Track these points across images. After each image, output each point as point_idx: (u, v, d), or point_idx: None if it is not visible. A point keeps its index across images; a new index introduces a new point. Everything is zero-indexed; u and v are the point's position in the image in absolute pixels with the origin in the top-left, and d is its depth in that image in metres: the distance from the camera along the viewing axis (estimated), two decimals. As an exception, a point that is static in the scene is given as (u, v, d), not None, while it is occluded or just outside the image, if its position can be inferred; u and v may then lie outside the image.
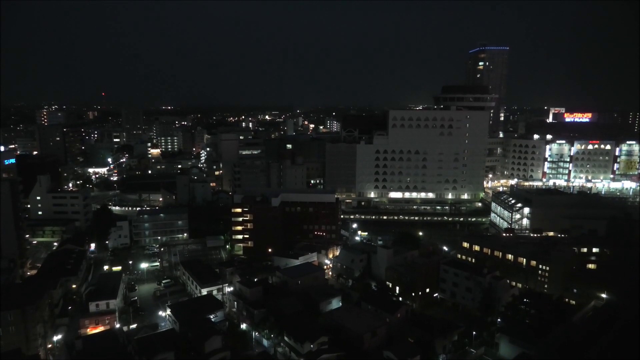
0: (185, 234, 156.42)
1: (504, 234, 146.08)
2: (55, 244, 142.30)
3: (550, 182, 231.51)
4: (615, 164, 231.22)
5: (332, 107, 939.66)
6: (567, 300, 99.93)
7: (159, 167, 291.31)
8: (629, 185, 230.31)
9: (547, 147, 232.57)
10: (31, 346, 79.13)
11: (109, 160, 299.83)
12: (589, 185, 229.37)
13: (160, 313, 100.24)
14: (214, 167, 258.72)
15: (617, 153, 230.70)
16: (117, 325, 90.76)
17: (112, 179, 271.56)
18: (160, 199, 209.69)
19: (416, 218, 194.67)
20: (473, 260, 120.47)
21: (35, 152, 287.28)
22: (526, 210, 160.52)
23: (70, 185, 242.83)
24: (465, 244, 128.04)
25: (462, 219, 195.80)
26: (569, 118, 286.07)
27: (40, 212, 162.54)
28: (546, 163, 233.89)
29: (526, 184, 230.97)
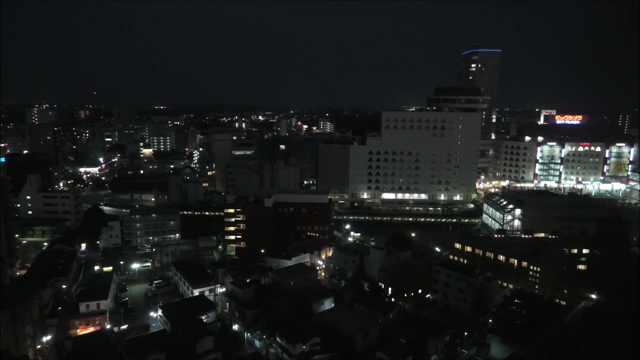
0: (177, 234, 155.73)
1: (496, 235, 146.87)
2: (45, 243, 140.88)
3: (542, 184, 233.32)
4: (605, 166, 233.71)
5: (326, 108, 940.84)
6: (557, 300, 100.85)
7: (151, 167, 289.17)
8: (618, 186, 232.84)
9: (539, 148, 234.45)
10: (20, 347, 78.29)
11: (101, 159, 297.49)
12: (579, 186, 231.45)
13: (152, 314, 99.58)
14: (207, 167, 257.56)
15: (607, 155, 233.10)
16: (108, 326, 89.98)
17: (103, 178, 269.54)
18: (152, 199, 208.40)
19: (409, 219, 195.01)
20: (465, 261, 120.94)
21: (25, 151, 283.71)
22: (517, 211, 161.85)
23: (61, 184, 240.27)
24: (458, 245, 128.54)
25: (454, 220, 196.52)
26: (559, 120, 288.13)
27: (30, 212, 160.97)
28: (537, 165, 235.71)
29: (518, 185, 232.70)
